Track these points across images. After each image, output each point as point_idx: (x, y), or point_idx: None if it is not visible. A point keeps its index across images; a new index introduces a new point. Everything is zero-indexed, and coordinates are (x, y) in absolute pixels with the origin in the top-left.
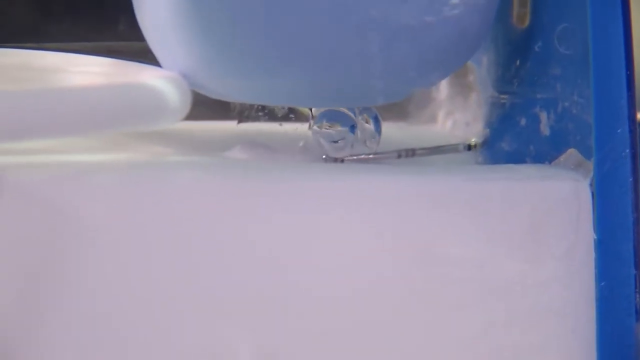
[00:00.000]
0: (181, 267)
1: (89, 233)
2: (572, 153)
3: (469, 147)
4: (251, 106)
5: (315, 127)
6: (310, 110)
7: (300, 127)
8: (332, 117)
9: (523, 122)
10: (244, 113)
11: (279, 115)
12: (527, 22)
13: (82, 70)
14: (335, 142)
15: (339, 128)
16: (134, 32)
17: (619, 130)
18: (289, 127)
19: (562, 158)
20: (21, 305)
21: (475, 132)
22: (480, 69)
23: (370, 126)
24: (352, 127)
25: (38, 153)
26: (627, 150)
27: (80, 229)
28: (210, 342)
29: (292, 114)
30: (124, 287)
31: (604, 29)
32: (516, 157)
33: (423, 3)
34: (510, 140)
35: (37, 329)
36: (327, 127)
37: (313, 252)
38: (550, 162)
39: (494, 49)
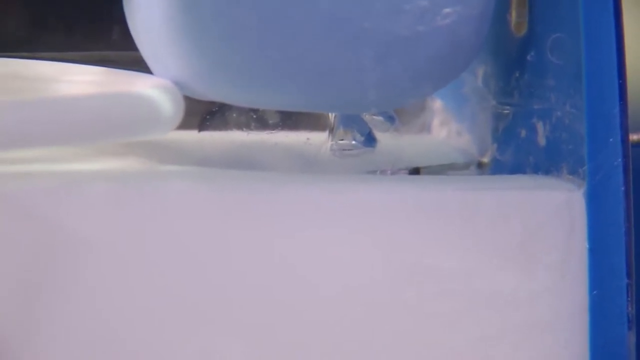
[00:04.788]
0: (176, 275)
1: (83, 242)
2: None
3: (479, 165)
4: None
5: (333, 144)
6: (329, 116)
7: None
8: (348, 123)
9: (523, 133)
10: (205, 120)
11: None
12: (523, 31)
13: (75, 80)
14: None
15: (355, 136)
16: (127, 41)
17: (611, 140)
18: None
19: None
20: (16, 313)
21: (466, 141)
22: (476, 80)
23: (379, 117)
24: (370, 140)
25: (30, 162)
26: (619, 160)
27: (74, 238)
28: (204, 349)
29: (281, 123)
30: (119, 295)
31: (597, 39)
32: (517, 168)
33: (416, 14)
34: (512, 151)
35: (32, 334)
36: (342, 137)
37: (301, 265)
38: (546, 173)
39: (493, 60)
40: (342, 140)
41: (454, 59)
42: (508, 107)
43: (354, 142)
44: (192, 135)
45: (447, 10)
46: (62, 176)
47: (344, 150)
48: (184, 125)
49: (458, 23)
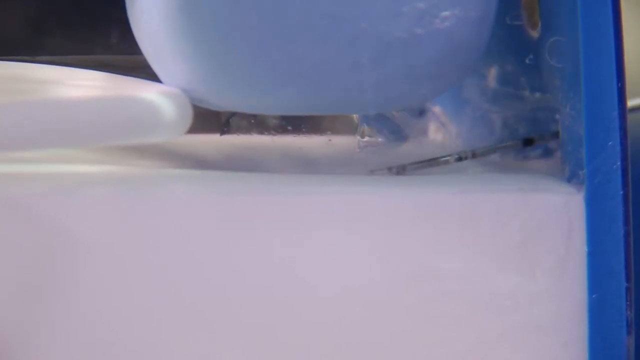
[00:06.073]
0: (175, 276)
1: (82, 244)
2: None
3: (530, 142)
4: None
5: (360, 141)
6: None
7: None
8: (372, 121)
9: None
10: (227, 124)
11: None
12: (537, 30)
13: (77, 84)
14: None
15: (383, 132)
16: (126, 45)
17: (610, 143)
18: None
19: None
20: (16, 314)
21: (463, 145)
22: (486, 82)
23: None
24: (399, 136)
25: (31, 164)
26: (618, 163)
27: (73, 240)
28: (203, 351)
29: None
30: (119, 297)
31: (596, 41)
32: None
33: (414, 16)
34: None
35: (32, 335)
36: (369, 134)
37: (300, 266)
38: (550, 173)
39: (506, 58)
40: (369, 137)
41: (453, 62)
42: (526, 92)
43: (380, 139)
44: (210, 139)
45: (445, 13)
46: (63, 179)
47: (370, 147)
48: (204, 129)
49: (457, 26)
